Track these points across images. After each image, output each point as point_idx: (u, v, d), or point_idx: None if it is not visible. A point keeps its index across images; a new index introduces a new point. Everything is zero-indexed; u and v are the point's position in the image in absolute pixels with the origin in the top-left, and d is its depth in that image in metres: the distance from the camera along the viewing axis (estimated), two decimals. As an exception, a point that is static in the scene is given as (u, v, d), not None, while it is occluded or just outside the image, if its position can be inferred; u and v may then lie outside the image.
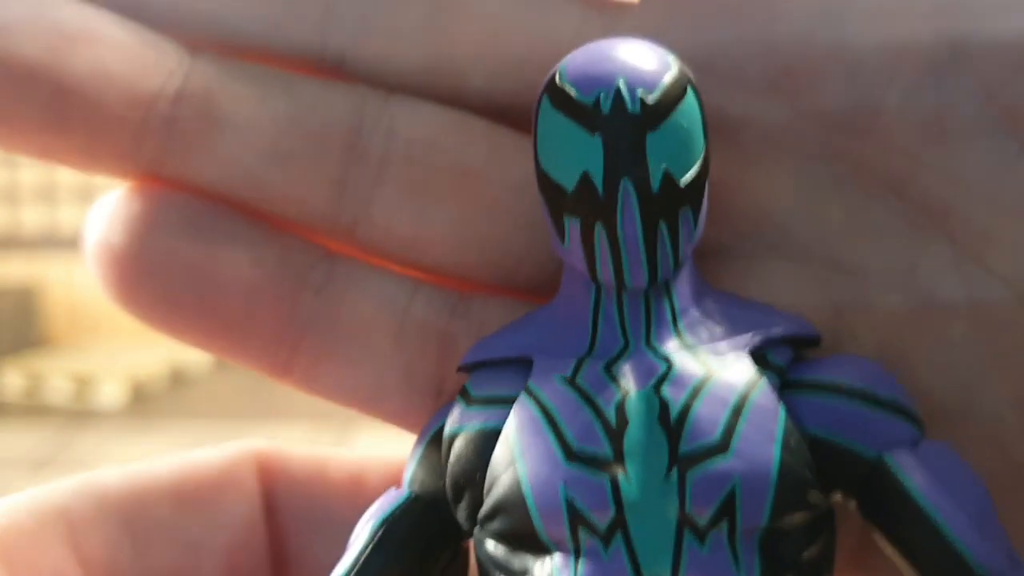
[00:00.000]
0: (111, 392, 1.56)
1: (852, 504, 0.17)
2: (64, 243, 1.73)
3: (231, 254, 0.19)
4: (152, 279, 0.19)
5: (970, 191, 0.18)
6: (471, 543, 0.19)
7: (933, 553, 0.17)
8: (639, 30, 0.19)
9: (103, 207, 0.20)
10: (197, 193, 0.19)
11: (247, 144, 0.19)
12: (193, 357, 1.66)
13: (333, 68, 0.20)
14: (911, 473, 0.17)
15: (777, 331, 0.18)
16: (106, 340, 1.74)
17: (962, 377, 0.18)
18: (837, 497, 0.18)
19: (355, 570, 0.18)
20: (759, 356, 0.18)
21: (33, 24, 0.19)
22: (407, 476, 0.19)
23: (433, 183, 0.19)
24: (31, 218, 1.74)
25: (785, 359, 0.18)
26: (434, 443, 0.18)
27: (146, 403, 1.57)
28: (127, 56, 0.19)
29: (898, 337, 0.19)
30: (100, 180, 1.62)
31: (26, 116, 0.19)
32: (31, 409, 1.57)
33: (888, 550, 0.17)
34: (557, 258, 0.19)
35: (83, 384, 1.58)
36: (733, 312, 0.18)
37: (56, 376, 1.59)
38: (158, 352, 1.65)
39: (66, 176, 1.77)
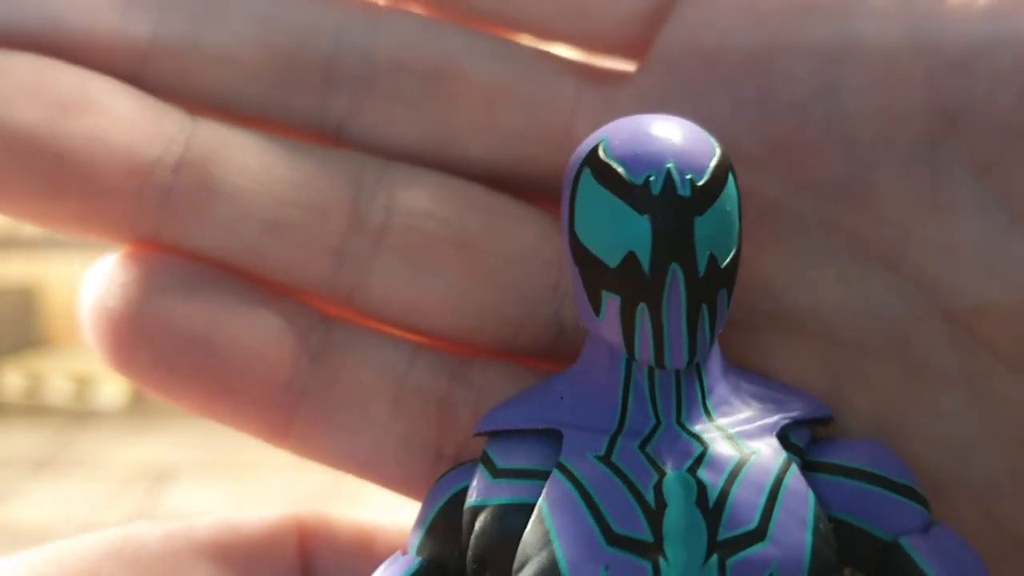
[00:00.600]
0: (111, 392, 1.56)
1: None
2: (64, 243, 1.73)
3: (228, 319, 0.19)
4: (148, 343, 0.19)
5: (963, 266, 0.18)
6: None
7: None
8: (637, 100, 0.19)
9: (100, 270, 0.19)
10: (195, 259, 0.19)
11: (246, 213, 0.19)
12: (193, 357, 1.66)
13: (333, 136, 0.20)
14: (927, 558, 0.17)
15: (797, 412, 0.18)
16: (106, 340, 1.74)
17: (956, 448, 0.18)
18: (847, 574, 0.18)
19: None
20: (783, 437, 0.18)
21: (32, 90, 0.18)
22: (416, 542, 0.18)
23: (431, 252, 0.19)
24: (31, 218, 1.75)
25: (804, 440, 0.18)
26: (446, 511, 0.18)
27: (146, 403, 1.56)
28: (127, 124, 0.19)
29: (894, 408, 0.19)
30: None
31: (22, 183, 0.19)
32: (31, 409, 1.57)
33: None
34: (555, 326, 0.19)
35: (83, 384, 1.58)
36: (756, 391, 0.19)
37: (56, 376, 1.59)
38: (158, 352, 1.66)
39: (66, 176, 1.76)
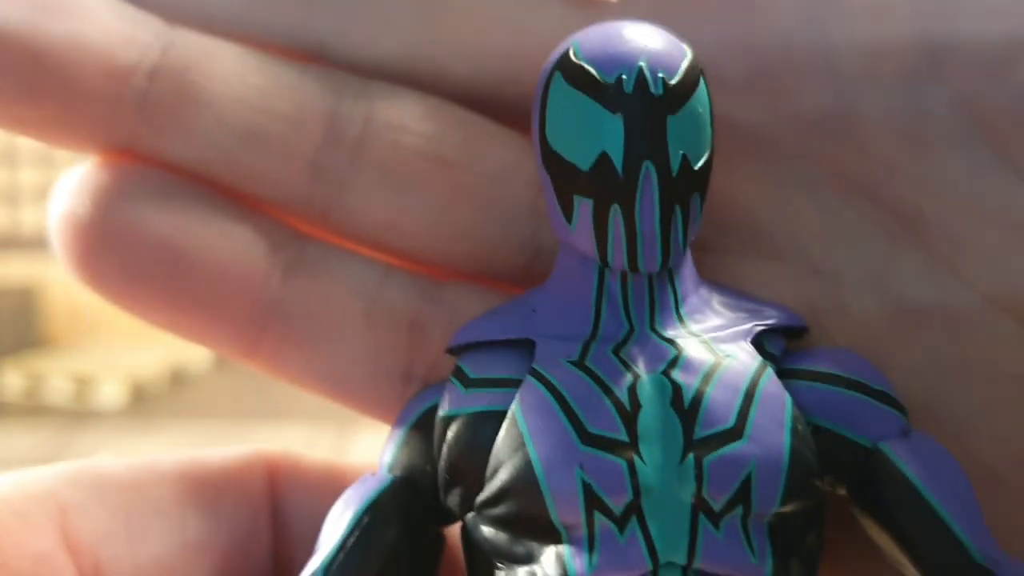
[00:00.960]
0: (111, 392, 1.56)
1: (841, 490, 0.18)
2: (64, 243, 1.73)
3: (200, 230, 0.19)
4: (118, 252, 0.19)
5: (944, 198, 0.18)
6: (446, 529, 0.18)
7: (930, 536, 0.17)
8: None
9: (72, 178, 0.19)
10: (169, 169, 0.19)
11: (222, 122, 0.19)
12: (193, 357, 1.65)
13: (314, 53, 0.20)
14: (907, 461, 0.17)
15: (772, 320, 0.18)
16: (106, 340, 1.74)
17: (931, 380, 0.18)
18: (827, 484, 0.18)
19: (339, 559, 0.17)
20: (758, 344, 0.18)
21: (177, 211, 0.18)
22: (387, 460, 0.18)
23: (409, 169, 0.19)
24: (31, 218, 1.74)
25: (780, 348, 0.18)
26: (418, 426, 0.18)
27: (146, 403, 1.56)
28: (105, 27, 0.18)
29: (870, 339, 0.19)
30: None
31: (1, 83, 0.18)
32: (31, 409, 1.57)
33: (879, 537, 0.17)
34: (530, 247, 0.19)
35: (83, 384, 1.58)
36: (729, 301, 0.18)
37: (56, 376, 1.59)
38: (158, 352, 1.65)
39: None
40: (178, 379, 1.66)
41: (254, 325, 0.19)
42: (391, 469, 0.18)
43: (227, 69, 0.19)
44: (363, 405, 0.19)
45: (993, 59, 0.18)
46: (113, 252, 0.19)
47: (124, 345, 1.72)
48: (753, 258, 0.19)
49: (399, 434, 0.18)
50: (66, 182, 0.19)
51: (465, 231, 0.19)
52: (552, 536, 0.17)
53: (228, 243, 0.19)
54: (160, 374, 1.63)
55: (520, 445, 0.17)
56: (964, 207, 0.18)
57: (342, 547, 0.17)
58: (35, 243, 1.75)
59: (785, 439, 0.17)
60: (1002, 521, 0.17)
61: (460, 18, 0.19)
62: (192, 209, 0.19)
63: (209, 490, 0.19)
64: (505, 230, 0.19)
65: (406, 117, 0.19)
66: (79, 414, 1.54)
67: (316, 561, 0.17)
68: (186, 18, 0.19)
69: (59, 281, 1.73)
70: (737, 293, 0.19)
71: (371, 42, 0.19)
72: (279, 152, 0.19)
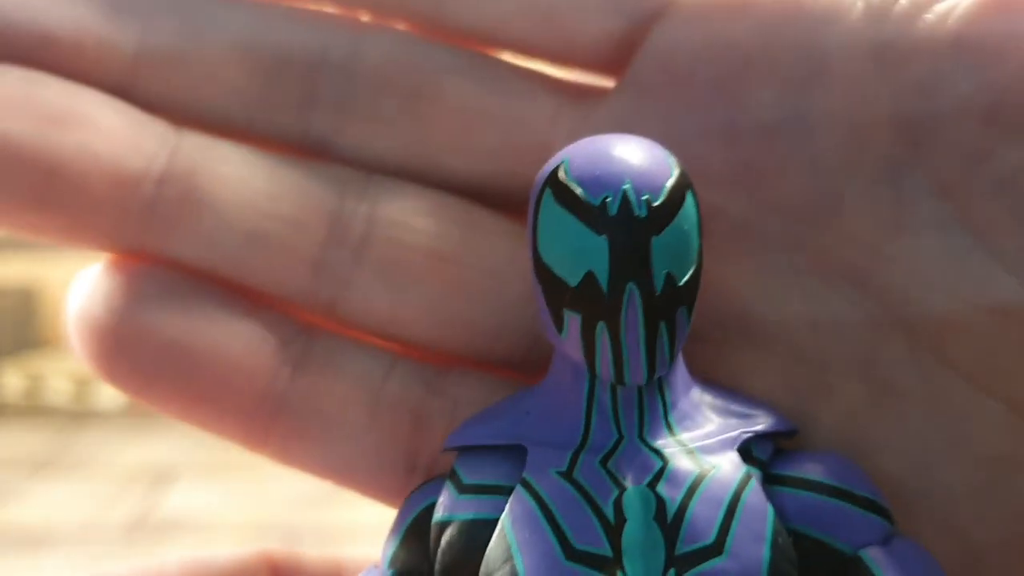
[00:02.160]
0: (111, 393, 1.56)
1: None
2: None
3: (208, 328, 0.19)
4: (130, 352, 0.19)
5: (928, 285, 0.19)
6: None
7: None
8: (612, 119, 0.20)
9: (85, 278, 0.20)
10: (178, 269, 0.20)
11: (228, 225, 0.19)
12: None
13: (316, 150, 0.20)
14: (886, 568, 0.17)
15: (760, 426, 0.18)
16: (106, 341, 1.74)
17: (919, 463, 0.19)
18: None
19: None
20: (745, 451, 0.18)
21: (22, 103, 0.19)
22: (388, 554, 0.19)
23: (409, 263, 0.20)
24: (31, 219, 1.75)
25: (767, 453, 0.18)
26: (417, 524, 0.19)
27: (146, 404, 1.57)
28: (114, 136, 0.19)
29: (857, 423, 0.19)
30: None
31: (12, 195, 0.19)
32: (31, 410, 1.57)
33: None
34: (531, 337, 0.20)
35: (83, 385, 1.58)
36: (719, 405, 0.19)
37: (56, 377, 1.59)
38: (158, 353, 1.66)
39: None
40: (178, 380, 1.66)
41: (263, 417, 0.20)
42: (391, 564, 0.19)
43: (232, 172, 0.20)
44: (370, 493, 0.20)
45: (970, 148, 0.18)
46: (126, 351, 0.19)
47: (124, 346, 1.72)
48: (742, 348, 0.20)
49: (399, 532, 0.19)
50: (81, 281, 0.20)
51: (465, 323, 0.20)
52: None
53: (236, 341, 0.20)
54: (160, 375, 1.64)
55: (508, 557, 0.17)
56: (948, 292, 0.19)
57: None
58: (35, 244, 1.75)
59: (764, 553, 0.17)
60: None
61: (453, 116, 0.20)
62: (200, 307, 0.20)
63: None
64: (504, 320, 0.20)
65: (407, 214, 0.20)
66: (79, 415, 1.54)
67: None
68: (191, 118, 0.20)
69: (59, 282, 1.73)
70: (728, 393, 0.19)
71: (369, 141, 0.20)
72: (283, 252, 0.20)
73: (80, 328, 0.20)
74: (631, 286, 0.17)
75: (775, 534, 0.17)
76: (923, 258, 0.19)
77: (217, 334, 0.19)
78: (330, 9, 0.20)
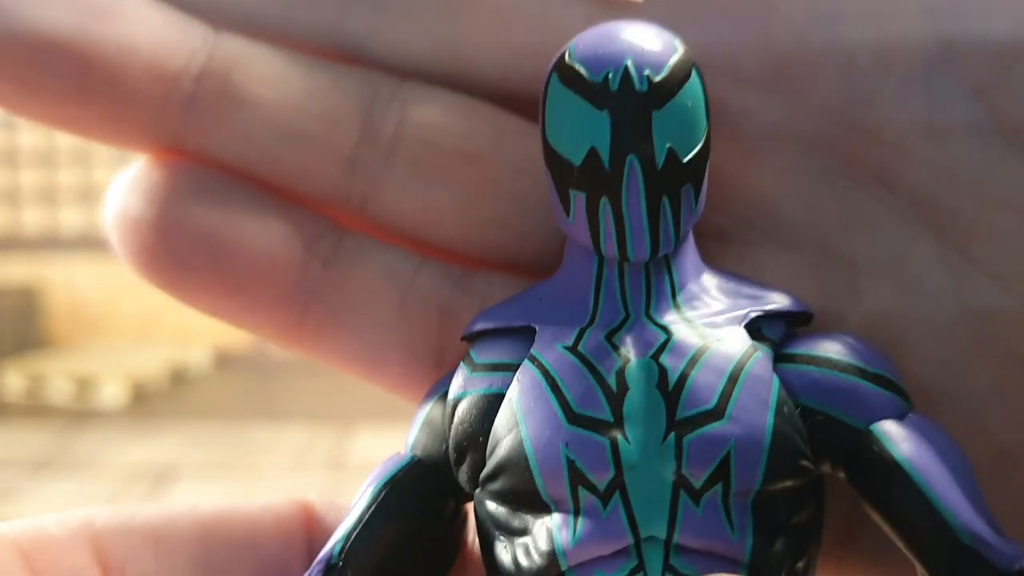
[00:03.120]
0: (112, 392, 1.56)
1: (840, 473, 0.18)
2: (65, 244, 1.73)
3: (244, 223, 0.20)
4: (168, 246, 0.20)
5: (957, 186, 0.19)
6: (471, 506, 0.19)
7: (918, 517, 0.17)
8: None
9: (123, 178, 0.20)
10: (214, 166, 0.20)
11: (264, 122, 0.20)
12: (194, 358, 1.66)
13: (350, 54, 0.21)
14: (897, 442, 0.18)
15: (771, 307, 0.19)
16: (107, 341, 1.74)
17: (947, 364, 0.19)
18: (827, 467, 0.18)
19: (357, 530, 0.18)
20: (754, 330, 0.18)
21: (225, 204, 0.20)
22: (409, 440, 0.19)
23: (440, 165, 0.20)
24: (32, 219, 1.75)
25: (778, 334, 0.19)
26: (436, 408, 0.19)
27: (147, 403, 1.57)
28: (154, 33, 0.20)
29: (886, 324, 0.19)
30: (100, 181, 1.61)
31: (53, 86, 0.19)
32: (32, 410, 1.57)
33: (875, 517, 0.18)
34: (559, 238, 0.20)
35: (84, 385, 1.58)
36: (729, 288, 0.19)
37: (57, 377, 1.59)
38: (159, 352, 1.66)
39: (67, 177, 1.77)
40: (178, 380, 1.66)
41: (295, 310, 0.20)
42: (412, 448, 0.19)
43: (269, 72, 0.20)
44: (399, 387, 0.20)
45: (1003, 52, 0.19)
46: (164, 246, 0.20)
47: (125, 346, 1.72)
48: (772, 247, 0.20)
49: (420, 415, 0.19)
50: (118, 181, 0.20)
51: (494, 223, 0.20)
52: (543, 510, 0.18)
53: (270, 234, 0.20)
54: (161, 375, 1.64)
55: (514, 424, 0.18)
56: (977, 194, 0.19)
57: (362, 518, 0.18)
58: (36, 244, 1.75)
59: (768, 419, 0.17)
60: (1011, 500, 0.18)
61: (488, 17, 0.20)
62: (236, 203, 0.20)
63: (238, 525, 0.20)
64: (533, 222, 0.20)
65: (437, 115, 0.20)
66: (80, 414, 1.55)
67: (338, 532, 0.18)
68: (228, 21, 0.20)
69: (60, 282, 1.73)
70: (742, 280, 0.19)
71: (403, 43, 0.20)
72: (317, 150, 0.20)
73: (119, 224, 0.20)
74: (632, 158, 0.18)
75: (780, 403, 0.18)
76: (955, 161, 0.19)
77: (252, 228, 0.20)
78: None
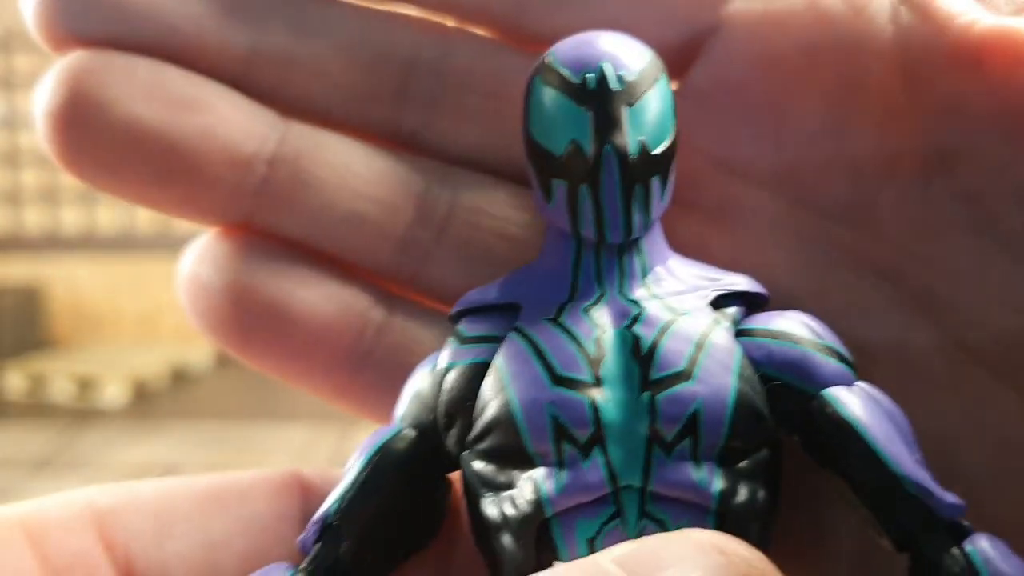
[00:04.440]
0: (114, 392, 1.56)
1: (796, 439, 0.20)
2: (67, 244, 1.73)
3: (305, 292, 0.22)
4: (235, 310, 0.22)
5: (956, 282, 0.21)
6: (455, 477, 0.21)
7: (868, 471, 0.19)
8: None
9: (195, 245, 0.23)
10: (280, 241, 0.22)
11: (329, 205, 0.22)
12: (195, 357, 1.66)
13: (406, 142, 0.23)
14: (847, 404, 0.19)
15: (732, 287, 0.21)
16: (109, 341, 1.74)
17: (942, 443, 0.20)
18: (783, 433, 0.20)
19: (352, 493, 0.20)
20: (716, 307, 0.20)
21: (152, 90, 0.21)
22: (398, 413, 0.21)
23: (485, 246, 0.23)
24: (33, 219, 1.75)
25: (738, 311, 0.20)
26: (424, 381, 0.21)
27: (148, 403, 1.57)
28: (230, 121, 0.22)
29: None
30: (102, 181, 1.62)
31: (139, 170, 0.22)
32: (34, 409, 1.57)
33: (832, 481, 0.19)
34: None
35: (86, 384, 1.58)
36: (693, 271, 0.21)
37: (59, 376, 1.59)
38: (160, 352, 1.66)
39: (68, 178, 1.77)
40: (180, 379, 1.66)
41: (348, 372, 0.22)
42: (402, 420, 0.21)
43: (333, 158, 0.22)
44: None
45: (994, 159, 0.20)
46: (232, 311, 0.22)
47: (126, 346, 1.72)
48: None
49: (408, 390, 0.21)
50: (192, 248, 0.23)
51: None
52: (528, 464, 0.19)
53: (327, 303, 0.22)
54: (162, 374, 1.64)
55: (501, 388, 0.20)
56: (974, 289, 0.20)
57: (355, 482, 0.20)
58: (38, 244, 1.75)
59: (731, 382, 0.19)
60: None
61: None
62: (297, 274, 0.22)
63: (236, 497, 0.21)
64: None
65: (484, 201, 0.23)
66: (82, 414, 1.55)
67: (333, 495, 0.20)
68: (297, 110, 0.22)
69: (62, 282, 1.73)
70: (705, 265, 0.21)
71: (454, 134, 0.23)
72: (375, 230, 0.22)
73: (190, 288, 0.22)
74: (608, 149, 0.20)
75: (741, 368, 0.19)
76: (954, 259, 0.21)
77: (312, 296, 0.22)
78: (421, 15, 0.23)
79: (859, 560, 0.21)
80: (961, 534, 0.19)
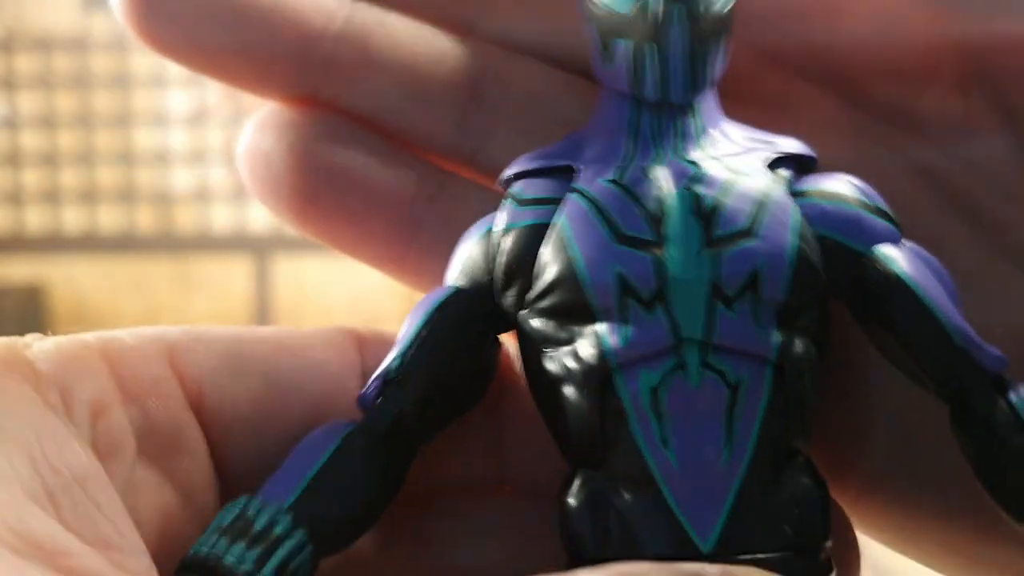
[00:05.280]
0: (115, 392, 1.56)
1: (845, 300, 0.21)
2: (69, 243, 1.73)
3: (364, 162, 0.24)
4: (296, 178, 0.23)
5: (993, 188, 0.23)
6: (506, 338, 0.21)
7: (916, 325, 0.20)
8: None
9: (257, 119, 0.24)
10: (342, 114, 0.24)
11: (392, 82, 0.24)
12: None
13: (465, 29, 0.25)
14: (897, 260, 0.20)
15: (785, 150, 0.22)
16: (110, 340, 1.74)
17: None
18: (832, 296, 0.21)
19: (408, 356, 0.21)
20: (771, 168, 0.21)
21: None
22: (451, 276, 0.22)
23: (541, 129, 0.23)
24: (35, 219, 1.75)
25: (792, 173, 0.22)
26: (478, 245, 0.22)
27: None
28: None
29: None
30: (103, 182, 1.62)
31: (215, 40, 0.23)
32: (36, 409, 1.57)
33: (875, 336, 0.21)
34: None
35: (87, 384, 1.58)
36: (746, 134, 0.22)
37: (61, 376, 1.59)
38: (162, 352, 1.65)
39: (69, 178, 1.78)
40: (182, 379, 1.66)
41: (403, 241, 0.24)
42: (455, 280, 0.22)
43: (398, 37, 0.24)
44: None
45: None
46: (292, 178, 0.24)
47: (128, 345, 1.72)
48: None
49: (460, 254, 0.22)
50: (251, 123, 0.24)
51: None
52: (591, 321, 0.20)
53: (385, 172, 0.24)
54: (164, 374, 1.63)
55: (564, 247, 0.20)
56: (1007, 197, 0.22)
57: (414, 341, 0.21)
58: (39, 244, 1.75)
59: (791, 239, 0.20)
60: None
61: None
62: (358, 146, 0.24)
63: (300, 346, 0.22)
64: None
65: (539, 86, 0.24)
66: (84, 414, 1.54)
67: (394, 351, 0.21)
68: None
69: (63, 282, 1.73)
70: (755, 129, 0.22)
71: (513, 25, 0.24)
72: (434, 109, 0.24)
73: (251, 158, 0.24)
74: (679, 8, 0.20)
75: (800, 226, 0.20)
76: (989, 167, 0.22)
77: (370, 166, 0.24)
78: None
79: (898, 436, 0.23)
80: (1004, 387, 0.19)
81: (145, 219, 1.68)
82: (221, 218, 1.46)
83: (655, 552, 0.19)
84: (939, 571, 0.23)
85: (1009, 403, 0.19)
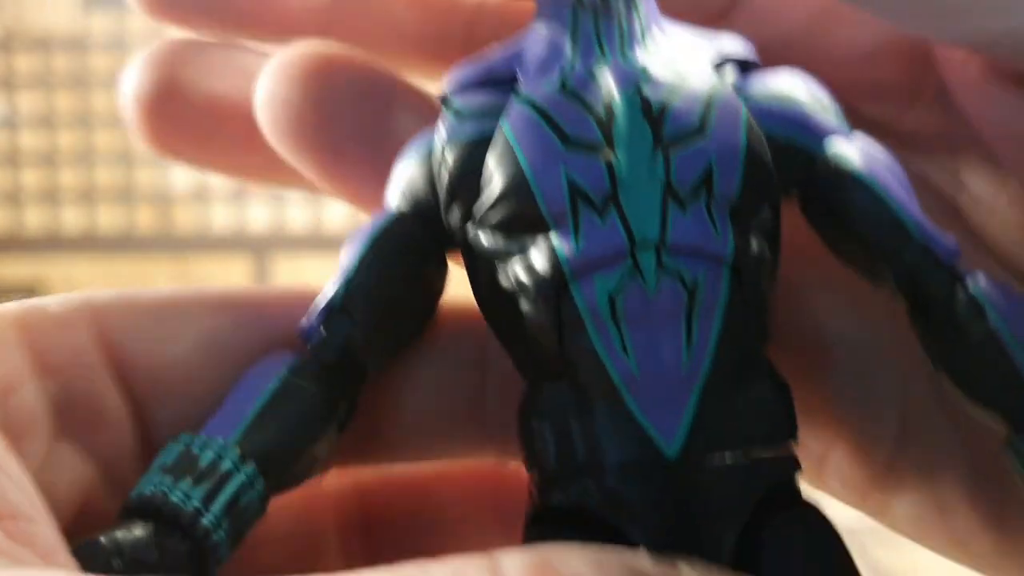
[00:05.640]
0: (114, 392, 1.56)
1: (794, 199, 0.21)
2: (68, 243, 1.73)
3: (383, 110, 0.24)
4: (321, 131, 0.23)
5: (974, 199, 0.23)
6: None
7: (875, 219, 0.20)
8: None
9: (269, 68, 0.24)
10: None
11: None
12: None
13: None
14: (851, 156, 0.20)
15: (729, 50, 0.21)
16: (109, 340, 1.74)
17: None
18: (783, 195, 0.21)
19: (352, 282, 0.20)
20: (716, 68, 0.21)
21: (223, 68, 0.25)
22: (392, 197, 0.21)
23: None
24: (34, 219, 1.75)
25: (737, 71, 0.22)
26: (417, 163, 0.21)
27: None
28: None
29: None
30: (102, 182, 1.62)
31: (223, 139, 0.25)
32: (35, 409, 1.57)
33: (830, 235, 0.21)
34: None
35: (86, 384, 1.58)
36: (687, 33, 0.22)
37: (59, 376, 1.59)
38: (161, 352, 1.65)
39: (68, 178, 1.78)
40: (181, 379, 1.66)
41: None
42: (396, 204, 0.21)
43: None
44: None
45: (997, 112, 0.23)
46: (316, 130, 0.24)
47: (127, 345, 1.72)
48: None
49: (399, 175, 0.21)
50: (264, 74, 0.24)
51: None
52: (543, 230, 0.20)
53: (406, 118, 0.24)
54: (163, 374, 1.63)
55: (510, 156, 0.20)
56: (987, 211, 0.23)
57: (358, 269, 0.20)
58: (38, 244, 1.75)
59: (741, 137, 0.20)
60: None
61: None
62: (392, 97, 0.24)
63: (246, 304, 0.22)
64: None
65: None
66: (82, 414, 1.54)
67: (338, 279, 0.20)
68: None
69: (63, 281, 1.73)
70: (700, 29, 0.22)
71: None
72: (429, 45, 0.25)
73: (269, 106, 0.24)
74: None
75: (749, 124, 0.20)
76: (969, 178, 0.23)
77: (401, 117, 0.24)
78: None
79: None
80: (960, 275, 0.20)
81: (144, 219, 1.68)
82: (220, 218, 1.46)
83: (620, 459, 0.18)
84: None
85: (966, 290, 0.19)
